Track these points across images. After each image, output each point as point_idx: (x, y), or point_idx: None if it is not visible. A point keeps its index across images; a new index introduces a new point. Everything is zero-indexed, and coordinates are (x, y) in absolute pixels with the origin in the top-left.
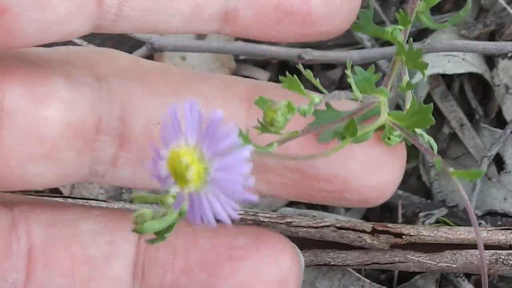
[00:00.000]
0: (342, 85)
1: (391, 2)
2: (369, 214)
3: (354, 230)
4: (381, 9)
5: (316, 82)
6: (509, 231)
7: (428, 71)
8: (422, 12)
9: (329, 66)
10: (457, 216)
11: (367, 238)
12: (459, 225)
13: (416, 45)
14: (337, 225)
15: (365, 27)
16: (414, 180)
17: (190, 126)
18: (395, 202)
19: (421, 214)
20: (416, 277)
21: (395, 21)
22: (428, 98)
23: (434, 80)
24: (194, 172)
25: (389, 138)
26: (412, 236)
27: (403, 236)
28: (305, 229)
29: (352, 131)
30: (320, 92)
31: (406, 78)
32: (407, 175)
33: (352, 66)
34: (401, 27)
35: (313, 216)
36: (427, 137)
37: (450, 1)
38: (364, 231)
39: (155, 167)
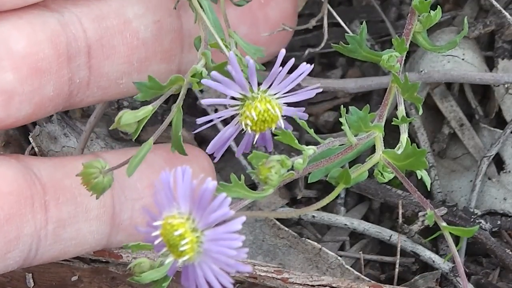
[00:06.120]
0: None
1: (391, 2)
2: (369, 214)
3: None
4: (381, 9)
5: (311, 131)
6: None
7: None
8: (419, 33)
9: (329, 66)
10: (456, 215)
11: None
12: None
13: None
14: (333, 285)
15: (355, 51)
16: (414, 180)
17: (182, 194)
18: (395, 201)
19: (420, 214)
20: (416, 277)
21: (394, 21)
22: (428, 98)
23: None
24: (188, 243)
25: (382, 174)
26: None
27: None
28: (300, 286)
29: (346, 179)
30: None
31: (402, 108)
32: (407, 175)
33: (346, 105)
34: (397, 53)
35: (313, 219)
36: (420, 174)
37: (450, 1)
38: None
39: (149, 235)
